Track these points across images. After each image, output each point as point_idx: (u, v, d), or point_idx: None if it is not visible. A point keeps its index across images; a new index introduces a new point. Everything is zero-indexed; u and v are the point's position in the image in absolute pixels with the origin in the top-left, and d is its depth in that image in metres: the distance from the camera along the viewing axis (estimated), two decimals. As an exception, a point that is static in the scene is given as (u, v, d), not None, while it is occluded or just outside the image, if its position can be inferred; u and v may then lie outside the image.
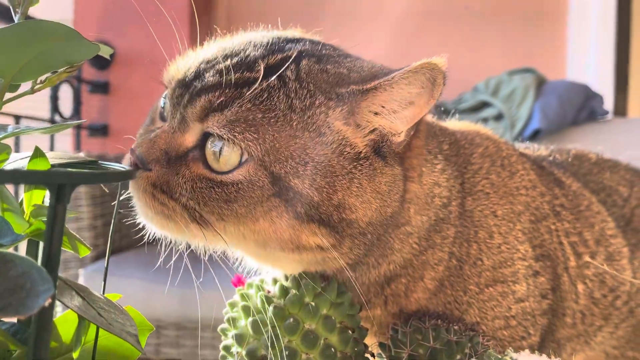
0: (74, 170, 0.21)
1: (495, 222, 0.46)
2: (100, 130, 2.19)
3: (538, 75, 2.04)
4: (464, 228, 0.46)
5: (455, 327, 0.37)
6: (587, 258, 0.50)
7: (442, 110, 2.19)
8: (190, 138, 0.39)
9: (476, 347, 0.36)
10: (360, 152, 0.40)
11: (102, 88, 2.21)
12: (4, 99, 0.30)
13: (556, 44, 2.40)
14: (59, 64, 0.30)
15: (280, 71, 0.39)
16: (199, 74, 0.39)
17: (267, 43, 0.42)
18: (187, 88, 0.39)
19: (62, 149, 2.02)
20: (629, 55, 2.66)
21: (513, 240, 0.46)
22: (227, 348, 0.34)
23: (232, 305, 0.35)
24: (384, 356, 0.37)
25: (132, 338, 0.25)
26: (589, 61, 2.38)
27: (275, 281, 0.35)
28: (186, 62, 0.42)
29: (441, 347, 0.35)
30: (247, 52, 0.41)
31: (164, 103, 0.43)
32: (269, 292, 0.34)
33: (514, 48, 2.36)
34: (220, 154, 0.37)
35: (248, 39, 0.43)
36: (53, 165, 0.29)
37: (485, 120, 1.99)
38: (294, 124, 0.38)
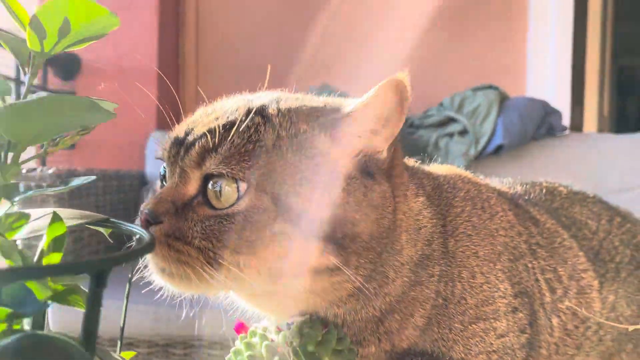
0: (110, 256, 0.22)
1: (477, 262, 0.49)
2: (65, 142, 2.14)
3: (500, 92, 2.11)
4: (447, 267, 0.48)
5: (446, 365, 0.40)
6: (567, 303, 0.54)
7: (410, 125, 2.25)
8: (192, 187, 0.40)
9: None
10: (350, 172, 0.42)
11: (66, 98, 2.16)
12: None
13: (516, 61, 2.49)
14: (74, 128, 0.31)
15: (265, 112, 0.42)
16: (189, 131, 0.43)
17: (245, 98, 0.46)
18: (181, 144, 0.42)
19: (29, 163, 1.97)
20: (584, 73, 2.79)
21: (494, 280, 0.49)
22: (233, 398, 0.35)
23: (237, 354, 0.36)
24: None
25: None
26: (547, 78, 2.48)
27: (277, 330, 0.36)
28: (175, 129, 0.45)
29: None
30: (229, 105, 0.44)
31: (163, 171, 0.45)
32: (272, 340, 0.35)
33: (477, 65, 2.44)
34: (220, 193, 0.39)
35: (236, 98, 0.47)
36: (69, 227, 0.30)
37: (450, 135, 2.04)
38: (284, 149, 0.41)
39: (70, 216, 0.31)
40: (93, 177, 0.33)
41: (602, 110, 3.10)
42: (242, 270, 0.38)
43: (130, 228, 0.30)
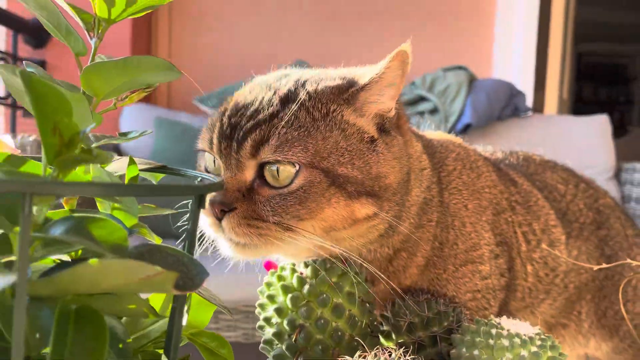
0: (207, 183, 0.27)
1: (467, 213, 0.56)
2: (36, 111, 2.12)
3: (469, 73, 2.20)
4: (443, 216, 0.55)
5: (442, 301, 0.47)
6: (543, 245, 0.62)
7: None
8: (249, 173, 0.46)
9: (459, 316, 0.45)
10: (374, 135, 0.50)
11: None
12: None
13: (485, 44, 2.59)
14: (142, 86, 0.35)
15: (298, 99, 0.48)
16: (235, 125, 0.48)
17: (271, 85, 0.51)
18: (231, 139, 0.47)
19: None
20: (547, 57, 2.91)
21: (480, 229, 0.57)
22: (267, 319, 0.41)
23: (269, 285, 0.42)
24: (384, 326, 0.46)
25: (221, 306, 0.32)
26: (513, 61, 2.58)
27: (306, 265, 0.42)
28: (215, 124, 0.50)
29: (433, 316, 0.44)
30: (262, 95, 0.50)
31: (208, 163, 0.50)
32: (301, 273, 0.41)
33: (448, 47, 2.52)
34: (278, 173, 0.45)
35: (255, 86, 0.52)
36: (141, 170, 0.35)
37: (421, 114, 2.12)
38: (322, 129, 0.47)
39: (139, 162, 0.36)
40: (151, 131, 0.38)
41: (562, 93, 3.25)
42: (308, 232, 0.45)
43: (192, 173, 0.35)
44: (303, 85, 0.50)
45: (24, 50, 2.14)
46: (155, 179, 0.40)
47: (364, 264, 0.45)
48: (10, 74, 0.29)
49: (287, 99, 0.48)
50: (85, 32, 0.38)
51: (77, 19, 0.37)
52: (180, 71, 0.34)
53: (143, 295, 0.29)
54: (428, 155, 0.59)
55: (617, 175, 2.13)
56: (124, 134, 0.37)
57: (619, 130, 6.39)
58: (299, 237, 0.44)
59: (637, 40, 6.71)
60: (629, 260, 0.63)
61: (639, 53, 7.12)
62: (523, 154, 0.76)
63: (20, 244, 0.20)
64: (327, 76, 0.53)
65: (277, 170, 0.45)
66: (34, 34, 2.15)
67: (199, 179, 0.34)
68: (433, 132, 0.67)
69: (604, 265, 0.59)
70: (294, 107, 0.47)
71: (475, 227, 0.57)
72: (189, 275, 0.25)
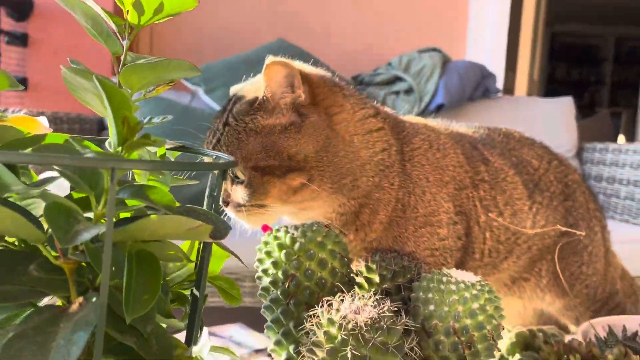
0: (229, 161, 0.36)
1: (428, 184, 0.67)
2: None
3: (444, 55, 2.29)
4: (405, 182, 0.66)
5: (406, 258, 0.57)
6: (493, 216, 0.72)
7: (359, 82, 2.39)
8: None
9: (419, 269, 0.55)
10: (285, 123, 0.62)
11: (20, 40, 2.15)
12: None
13: (459, 27, 2.68)
14: (167, 81, 0.44)
15: (227, 122, 0.63)
16: (210, 147, 0.64)
17: (225, 108, 0.66)
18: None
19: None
20: (519, 40, 3.02)
21: (440, 199, 0.67)
22: (264, 271, 0.50)
23: (266, 243, 0.51)
24: (359, 277, 0.55)
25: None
26: (486, 43, 2.68)
27: (296, 227, 0.52)
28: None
29: (399, 270, 0.54)
30: (217, 121, 0.65)
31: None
32: (293, 234, 0.51)
33: (424, 29, 2.61)
34: (235, 175, 0.61)
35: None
36: (167, 149, 0.44)
37: (397, 93, 2.22)
38: (243, 139, 0.61)
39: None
40: (170, 117, 0.46)
41: (532, 75, 3.38)
42: (275, 204, 0.61)
43: (204, 151, 0.44)
44: (232, 107, 0.65)
45: (7, 23, 2.15)
46: (173, 156, 0.48)
47: (333, 226, 0.57)
48: (73, 75, 0.37)
49: (225, 122, 0.63)
50: (117, 34, 0.46)
51: (111, 23, 0.45)
52: (199, 69, 0.43)
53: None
54: (395, 130, 0.69)
55: (579, 154, 2.27)
56: (150, 119, 0.46)
57: (588, 110, 6.60)
58: (271, 209, 0.60)
59: (609, 21, 6.88)
60: (575, 231, 0.75)
61: (610, 34, 7.31)
62: (505, 131, 0.86)
63: (109, 204, 0.29)
64: (249, 90, 0.66)
65: (234, 173, 0.61)
66: (16, 7, 2.17)
67: (214, 157, 0.43)
68: (414, 117, 0.77)
69: (560, 228, 0.70)
70: (226, 129, 0.63)
71: (435, 196, 0.67)
72: (217, 229, 0.34)
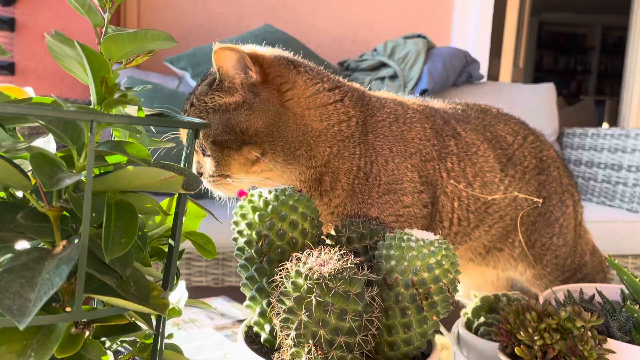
0: (202, 122, 0.40)
1: (391, 154, 0.71)
2: (7, 69, 2.15)
3: (428, 41, 2.32)
4: (367, 152, 0.70)
5: (374, 222, 0.60)
6: (460, 186, 0.77)
7: (346, 68, 2.41)
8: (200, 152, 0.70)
9: (386, 232, 0.59)
10: (239, 101, 0.68)
11: (7, 24, 2.15)
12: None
13: (444, 13, 2.71)
14: (146, 51, 0.47)
15: (192, 103, 0.70)
16: None
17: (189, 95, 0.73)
18: None
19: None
20: (504, 27, 3.06)
21: (403, 169, 0.72)
22: (240, 232, 0.54)
23: (242, 207, 0.55)
24: (329, 239, 0.59)
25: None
26: (471, 30, 2.72)
27: (270, 192, 0.55)
28: None
29: (366, 233, 0.58)
30: (185, 105, 0.73)
31: None
32: (266, 198, 0.54)
33: (409, 15, 2.63)
34: (204, 149, 0.69)
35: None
36: (146, 115, 0.47)
37: (382, 79, 2.25)
38: (209, 114, 0.68)
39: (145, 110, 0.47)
40: (149, 86, 0.49)
41: (517, 62, 3.42)
42: (239, 175, 0.68)
43: (181, 118, 0.47)
44: (196, 89, 0.72)
45: (-7, 7, 2.15)
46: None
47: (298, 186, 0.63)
48: (58, 43, 0.40)
49: (190, 103, 0.70)
50: (99, 7, 0.48)
51: (92, -2, 0.48)
52: (175, 40, 0.46)
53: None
54: (359, 103, 0.73)
55: (560, 139, 2.32)
56: (129, 88, 0.49)
57: (575, 98, 6.67)
58: (236, 180, 0.67)
59: (595, 11, 6.94)
60: (534, 198, 0.79)
61: (597, 24, 7.37)
62: (484, 107, 0.90)
63: (88, 154, 0.32)
64: (203, 81, 0.73)
65: (203, 147, 0.69)
66: (3, -9, 2.17)
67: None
68: (386, 92, 0.81)
69: (521, 195, 0.74)
70: (191, 109, 0.69)
71: (398, 166, 0.71)
72: (190, 181, 0.37)
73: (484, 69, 2.67)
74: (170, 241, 0.40)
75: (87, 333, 0.38)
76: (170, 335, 0.44)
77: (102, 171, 0.38)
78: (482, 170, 0.81)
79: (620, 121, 3.25)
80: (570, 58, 7.60)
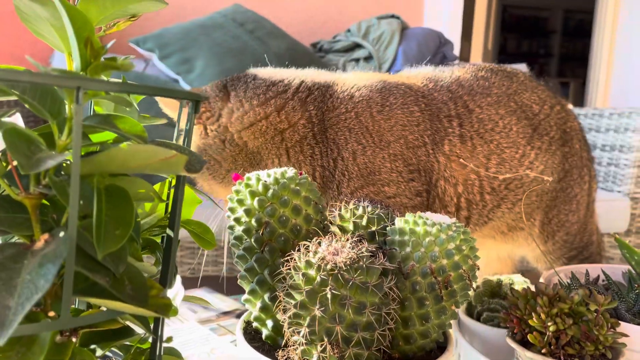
0: (201, 93, 0.34)
1: (360, 147, 0.68)
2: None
3: (402, 22, 2.28)
4: (328, 150, 0.67)
5: (379, 206, 0.56)
6: (470, 165, 0.73)
7: (319, 49, 2.36)
8: None
9: (393, 217, 0.55)
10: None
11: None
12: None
13: (417, -7, 2.67)
14: (129, 15, 0.41)
15: None
16: None
17: None
18: None
19: None
20: (474, 9, 3.04)
21: (380, 160, 0.68)
22: (237, 219, 0.48)
23: (238, 192, 0.49)
24: (333, 225, 0.55)
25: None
26: (442, 11, 2.69)
27: (268, 174, 0.50)
28: None
29: (372, 217, 0.53)
30: None
31: None
32: (265, 181, 0.49)
33: (382, -6, 2.58)
34: None
35: None
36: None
37: (357, 61, 2.20)
38: None
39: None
40: (132, 56, 0.43)
41: (487, 43, 3.42)
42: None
43: (172, 90, 0.41)
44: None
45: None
46: (136, 100, 0.46)
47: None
48: (27, 1, 0.33)
49: None
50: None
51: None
52: (165, 1, 0.40)
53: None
54: (314, 101, 0.71)
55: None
56: (112, 59, 0.43)
57: (537, 80, 6.79)
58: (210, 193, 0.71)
59: (558, -5, 7.03)
60: (542, 176, 0.75)
61: (558, 7, 7.49)
62: (510, 71, 0.85)
63: (75, 128, 0.26)
64: None
65: None
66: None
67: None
68: (366, 74, 0.76)
69: (529, 174, 0.71)
70: None
71: (372, 158, 0.68)
72: (193, 161, 0.32)
73: (456, 51, 2.65)
74: (169, 231, 0.34)
75: (75, 340, 0.33)
76: (170, 339, 0.39)
77: (88, 151, 0.32)
78: (499, 147, 0.77)
79: (586, 102, 3.30)
80: (532, 41, 7.71)
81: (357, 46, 2.22)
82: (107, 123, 0.29)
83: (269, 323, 0.48)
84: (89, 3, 0.38)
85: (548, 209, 0.83)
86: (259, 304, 0.49)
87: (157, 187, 0.41)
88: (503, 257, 0.92)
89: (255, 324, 0.50)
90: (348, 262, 0.41)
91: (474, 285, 0.76)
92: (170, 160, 0.30)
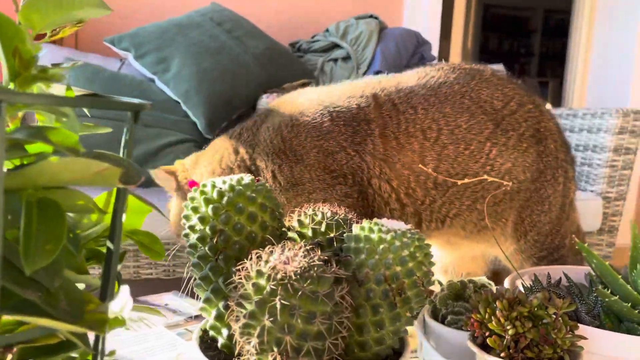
0: (142, 102, 0.33)
1: (276, 166, 0.76)
2: None
3: (380, 22, 2.29)
4: (258, 175, 0.76)
5: (338, 214, 0.56)
6: (419, 168, 0.73)
7: (297, 49, 2.36)
8: None
9: (350, 224, 0.55)
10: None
11: None
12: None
13: (395, -7, 2.68)
14: (74, 21, 0.40)
15: None
16: None
17: None
18: None
19: None
20: (453, 9, 3.06)
21: (298, 172, 0.74)
22: (191, 227, 0.48)
23: (193, 199, 0.49)
24: (291, 232, 0.54)
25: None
26: (421, 11, 2.70)
27: (224, 181, 0.50)
28: None
29: (330, 223, 0.53)
30: None
31: None
32: (220, 188, 0.49)
33: (360, -6, 2.59)
34: None
35: None
36: (76, 96, 0.40)
37: (335, 61, 2.20)
38: None
39: (77, 91, 0.41)
40: (80, 62, 0.42)
41: (466, 44, 3.45)
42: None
43: (118, 99, 0.41)
44: None
45: None
46: (87, 111, 0.45)
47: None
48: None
49: None
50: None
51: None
52: (109, 8, 0.39)
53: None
54: (244, 145, 0.79)
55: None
56: (57, 65, 0.42)
57: (518, 79, 6.86)
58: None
59: (538, -6, 7.11)
60: (501, 181, 0.76)
61: (539, 7, 7.57)
62: (470, 70, 0.86)
63: (-2, 142, 0.26)
64: None
65: None
66: None
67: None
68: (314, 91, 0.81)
69: (487, 178, 0.71)
70: None
71: (289, 173, 0.75)
72: (129, 174, 0.32)
73: (434, 51, 2.66)
74: (109, 244, 0.34)
75: (10, 357, 0.32)
76: (112, 353, 0.39)
77: (23, 163, 0.32)
78: (437, 144, 0.78)
79: (563, 102, 3.34)
80: (513, 41, 7.77)
81: (335, 46, 2.22)
82: (39, 135, 0.28)
83: (224, 332, 0.48)
84: (31, 10, 0.37)
85: (521, 209, 0.83)
86: (214, 312, 0.48)
87: (103, 196, 0.40)
88: (476, 256, 0.93)
89: (211, 333, 0.50)
90: (299, 271, 0.40)
91: (439, 289, 0.76)
92: (104, 173, 0.29)
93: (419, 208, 0.77)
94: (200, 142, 1.87)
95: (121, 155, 0.35)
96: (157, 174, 0.79)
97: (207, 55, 1.91)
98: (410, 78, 0.84)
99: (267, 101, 1.69)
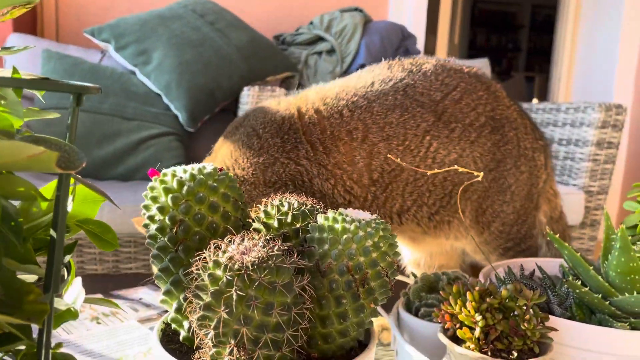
0: (87, 85, 0.32)
1: (240, 179, 0.78)
2: None
3: (365, 15, 2.27)
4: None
5: (306, 205, 0.55)
6: (361, 164, 0.73)
7: (282, 42, 2.34)
8: None
9: (317, 214, 0.54)
10: None
11: None
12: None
13: (381, -13, 2.66)
14: (22, 2, 0.38)
15: None
16: None
17: None
18: None
19: None
20: (439, 3, 3.05)
21: (247, 193, 0.77)
22: (151, 217, 0.46)
23: (152, 188, 0.47)
24: (255, 223, 0.53)
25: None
26: (407, 5, 2.69)
27: (185, 170, 0.48)
28: None
29: (297, 213, 0.52)
30: None
31: None
32: (181, 177, 0.47)
33: (346, -13, 2.57)
34: None
35: None
36: (26, 80, 0.39)
37: (319, 54, 2.19)
38: None
39: (23, 74, 0.39)
40: (33, 45, 0.41)
41: (453, 39, 3.45)
42: None
43: (63, 82, 0.39)
44: None
45: None
46: (40, 94, 0.43)
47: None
48: None
49: None
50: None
51: None
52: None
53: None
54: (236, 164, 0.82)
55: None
56: (7, 48, 0.40)
57: (505, 75, 6.88)
58: None
59: (525, -10, 7.13)
60: (473, 171, 0.75)
61: (526, 2, 7.60)
62: (407, 65, 0.85)
63: None
64: None
65: None
66: None
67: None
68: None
69: (457, 168, 0.70)
70: None
71: (246, 184, 0.78)
72: (70, 158, 0.30)
73: (420, 45, 2.66)
74: (52, 232, 0.33)
75: (-54, 350, 0.31)
76: (59, 345, 0.37)
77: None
78: (366, 142, 0.79)
79: (549, 96, 3.36)
80: (501, 36, 7.80)
81: (319, 39, 2.21)
82: (-32, 118, 0.27)
83: (185, 324, 0.47)
84: (-28, -12, 0.36)
85: (481, 200, 0.83)
86: (175, 304, 0.47)
87: (53, 183, 0.39)
88: (446, 250, 0.92)
89: (173, 326, 0.48)
90: (256, 261, 0.39)
91: (412, 282, 0.76)
92: (40, 157, 0.28)
93: (363, 204, 0.78)
94: (181, 136, 1.85)
95: (66, 140, 0.33)
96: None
97: (188, 48, 1.88)
98: (349, 81, 0.86)
99: (248, 99, 1.67)
